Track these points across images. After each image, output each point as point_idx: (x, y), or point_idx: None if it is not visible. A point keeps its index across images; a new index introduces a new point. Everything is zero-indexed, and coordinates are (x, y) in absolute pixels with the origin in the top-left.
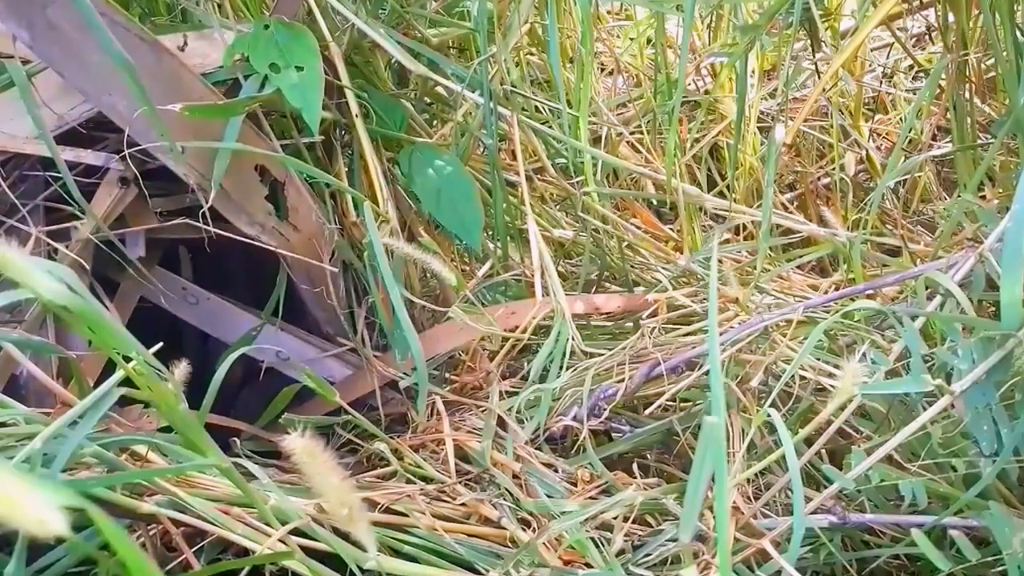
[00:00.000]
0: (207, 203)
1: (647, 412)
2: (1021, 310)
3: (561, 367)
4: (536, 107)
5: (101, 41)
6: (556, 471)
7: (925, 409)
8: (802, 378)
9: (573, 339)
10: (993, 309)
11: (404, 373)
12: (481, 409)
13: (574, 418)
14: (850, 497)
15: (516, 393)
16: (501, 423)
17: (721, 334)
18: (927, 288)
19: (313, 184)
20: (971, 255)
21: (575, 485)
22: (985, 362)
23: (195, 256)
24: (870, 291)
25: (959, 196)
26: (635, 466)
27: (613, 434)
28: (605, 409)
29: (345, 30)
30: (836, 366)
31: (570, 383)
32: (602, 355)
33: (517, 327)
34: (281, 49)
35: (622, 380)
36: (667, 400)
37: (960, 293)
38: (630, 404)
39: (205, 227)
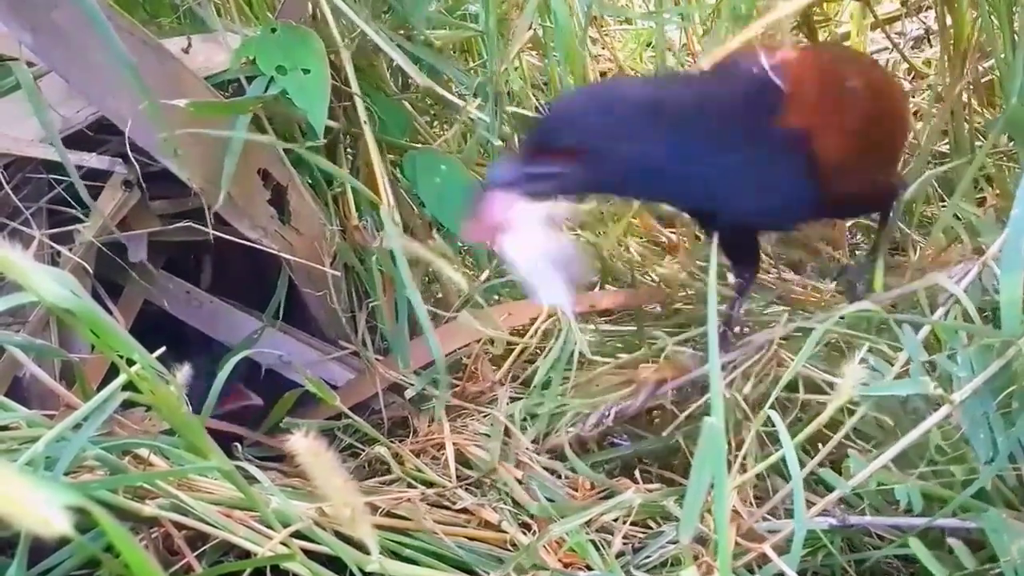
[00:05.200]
0: (210, 207)
1: (648, 424)
2: (1020, 313)
3: (567, 377)
4: (537, 109)
5: (106, 44)
6: (559, 476)
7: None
8: (804, 386)
9: (577, 345)
10: (991, 320)
11: (408, 381)
12: (483, 415)
13: (578, 435)
14: (849, 503)
15: (519, 399)
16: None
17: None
18: (927, 296)
19: (316, 188)
20: (973, 265)
21: (576, 491)
22: (985, 372)
23: (200, 259)
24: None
25: (952, 202)
26: (637, 472)
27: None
28: (609, 425)
29: (353, 36)
30: (836, 375)
31: (574, 394)
32: (607, 363)
33: (515, 328)
34: (288, 51)
35: (627, 398)
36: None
37: (968, 301)
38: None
39: (208, 230)
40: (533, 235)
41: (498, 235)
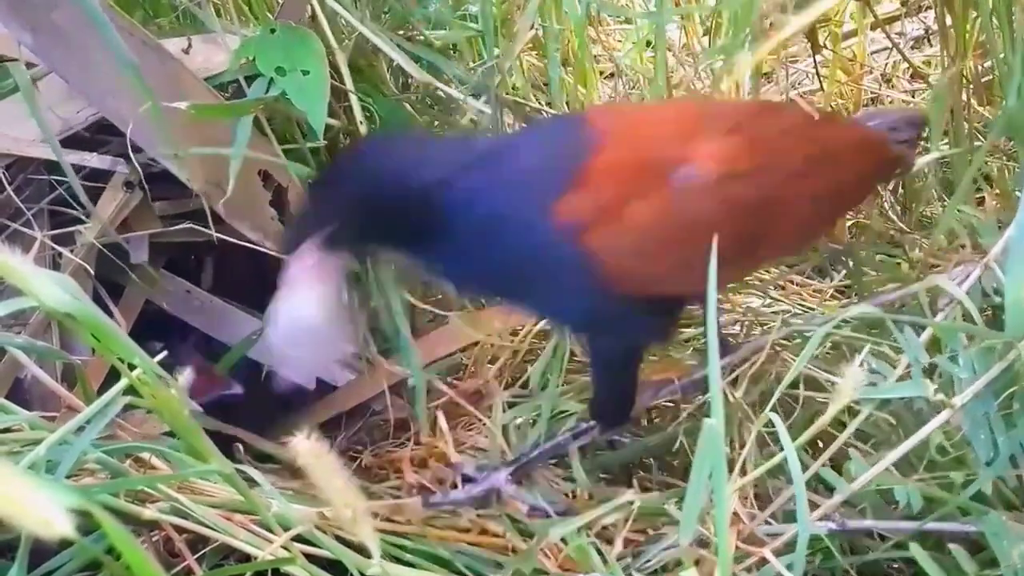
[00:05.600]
0: (210, 208)
1: (647, 420)
2: None
3: (568, 381)
4: (538, 110)
5: (107, 44)
6: (559, 481)
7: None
8: (804, 387)
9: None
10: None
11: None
12: (482, 421)
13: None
14: (849, 501)
15: (516, 404)
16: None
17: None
18: (929, 296)
19: None
20: (974, 267)
21: (575, 496)
22: (987, 374)
23: (201, 260)
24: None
25: (956, 205)
26: (635, 478)
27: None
28: None
29: (350, 36)
30: (837, 375)
31: (573, 396)
32: None
33: (515, 328)
34: (287, 52)
35: None
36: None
37: (969, 302)
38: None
39: (210, 232)
40: (307, 297)
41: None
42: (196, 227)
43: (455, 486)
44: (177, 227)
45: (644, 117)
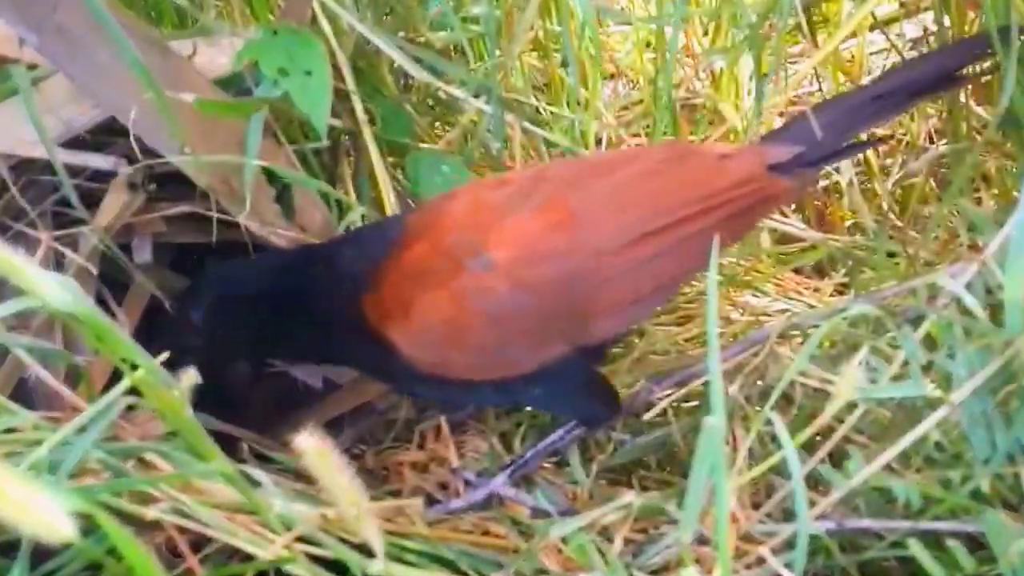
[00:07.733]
0: (211, 209)
1: (647, 417)
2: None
3: None
4: (537, 110)
5: (112, 40)
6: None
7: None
8: (803, 385)
9: None
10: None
11: None
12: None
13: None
14: (846, 500)
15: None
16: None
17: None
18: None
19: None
20: (972, 264)
21: (575, 498)
22: (984, 370)
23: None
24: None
25: (953, 199)
26: (634, 477)
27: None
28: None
29: (351, 36)
30: (836, 373)
31: None
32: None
33: None
34: (290, 54)
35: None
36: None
37: (971, 298)
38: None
39: (211, 229)
40: None
41: None
42: (199, 227)
43: (458, 492)
44: (182, 227)
45: (460, 203)
